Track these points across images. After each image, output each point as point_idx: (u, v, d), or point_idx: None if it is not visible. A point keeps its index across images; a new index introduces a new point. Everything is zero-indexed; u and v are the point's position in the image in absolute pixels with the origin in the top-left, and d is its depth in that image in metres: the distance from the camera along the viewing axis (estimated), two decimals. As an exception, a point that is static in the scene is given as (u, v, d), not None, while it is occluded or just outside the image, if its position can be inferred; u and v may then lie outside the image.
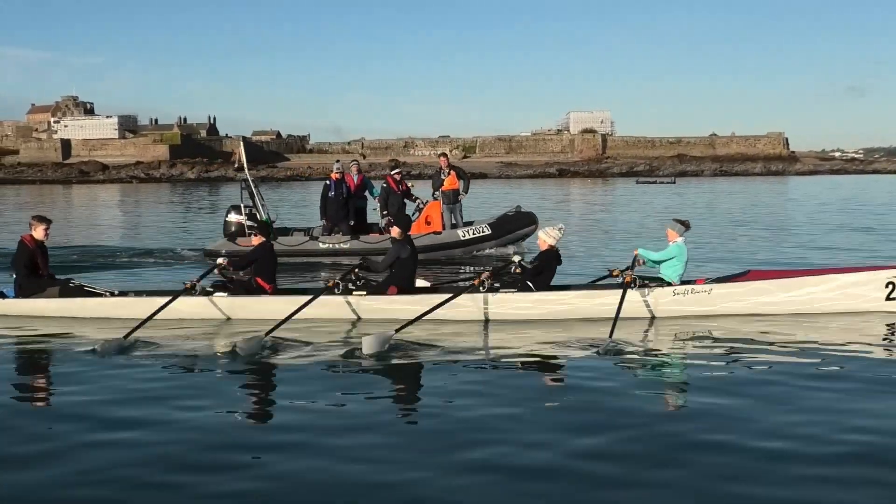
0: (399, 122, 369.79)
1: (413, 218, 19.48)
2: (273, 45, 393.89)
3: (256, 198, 19.29)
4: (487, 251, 18.99)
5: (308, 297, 10.62)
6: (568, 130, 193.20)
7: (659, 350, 9.67)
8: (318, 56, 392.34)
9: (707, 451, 6.20)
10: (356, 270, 11.50)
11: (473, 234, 18.84)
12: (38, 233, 11.68)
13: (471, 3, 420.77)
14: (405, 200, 19.51)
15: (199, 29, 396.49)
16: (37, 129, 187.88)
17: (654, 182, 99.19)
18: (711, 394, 7.69)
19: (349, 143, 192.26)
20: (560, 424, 6.82)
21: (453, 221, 19.27)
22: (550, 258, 11.26)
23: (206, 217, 39.17)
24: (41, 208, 53.64)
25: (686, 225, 11.35)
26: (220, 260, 11.59)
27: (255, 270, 11.48)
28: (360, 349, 9.20)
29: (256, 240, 11.74)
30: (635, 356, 9.23)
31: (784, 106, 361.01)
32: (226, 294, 11.34)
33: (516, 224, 19.27)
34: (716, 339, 9.93)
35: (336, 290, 10.98)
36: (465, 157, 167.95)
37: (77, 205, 60.37)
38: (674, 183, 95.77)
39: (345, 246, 18.52)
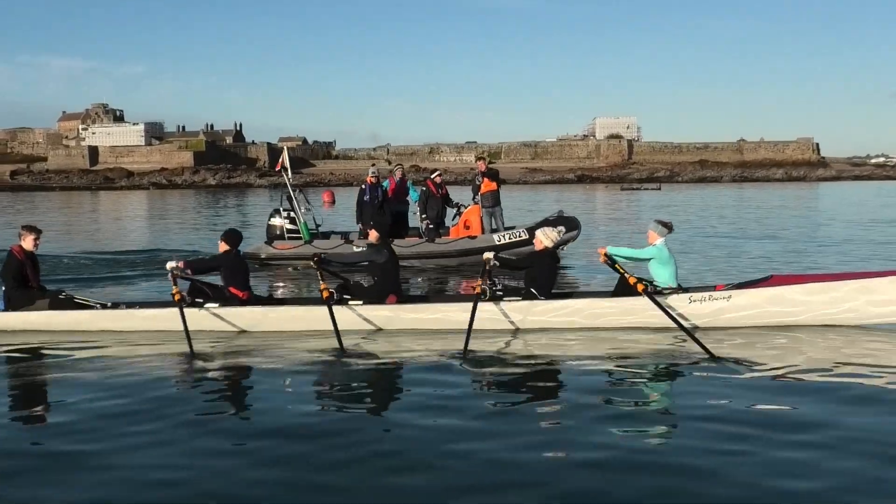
0: (425, 128, 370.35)
1: (453, 222, 19.42)
2: (301, 53, 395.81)
3: (295, 202, 19.20)
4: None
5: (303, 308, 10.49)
6: (594, 136, 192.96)
7: (661, 364, 8.87)
8: (347, 63, 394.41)
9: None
10: (313, 266, 10.84)
11: (509, 238, 18.48)
12: (28, 243, 11.19)
13: (498, 9, 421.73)
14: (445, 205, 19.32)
15: (230, 37, 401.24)
16: (66, 137, 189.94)
17: (639, 189, 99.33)
18: (720, 422, 6.69)
19: (374, 150, 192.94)
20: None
21: (493, 226, 18.96)
22: (542, 258, 10.71)
23: (243, 219, 39.10)
24: (68, 214, 54.08)
25: (668, 227, 10.72)
26: (169, 265, 10.71)
27: (226, 280, 10.98)
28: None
29: (222, 247, 11.13)
30: (633, 369, 8.57)
31: (818, 112, 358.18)
32: (217, 304, 10.77)
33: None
34: (733, 350, 9.15)
35: (331, 301, 10.21)
36: (490, 163, 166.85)
37: (103, 210, 60.58)
38: (659, 189, 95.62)
39: (379, 250, 18.29)
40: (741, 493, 5.32)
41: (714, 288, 10.70)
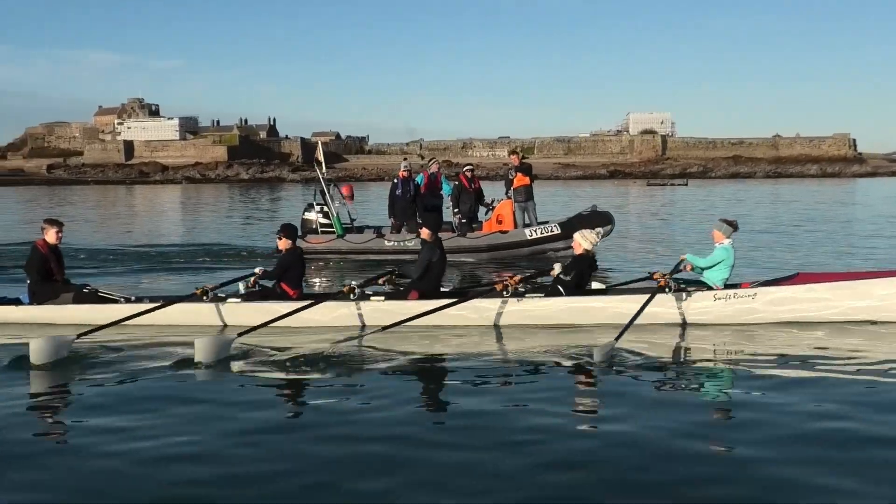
0: (458, 123, 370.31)
1: (485, 217, 19.34)
2: (336, 47, 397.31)
3: (328, 196, 19.24)
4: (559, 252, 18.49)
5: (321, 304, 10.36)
6: (627, 132, 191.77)
7: (687, 360, 8.88)
8: (381, 58, 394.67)
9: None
10: (392, 276, 11.19)
11: (541, 233, 18.38)
12: (51, 236, 11.15)
13: (535, 3, 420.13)
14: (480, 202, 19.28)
15: (266, 32, 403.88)
16: (102, 131, 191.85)
17: (666, 185, 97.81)
18: (734, 427, 6.61)
19: (407, 144, 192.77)
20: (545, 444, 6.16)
21: (526, 221, 18.86)
22: (582, 263, 10.56)
23: (277, 213, 39.28)
24: (103, 207, 54.58)
25: (734, 226, 10.59)
26: (257, 270, 11.21)
27: (283, 277, 10.98)
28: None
29: (284, 243, 11.12)
30: (653, 367, 8.46)
31: (856, 108, 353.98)
32: (238, 300, 10.83)
33: (589, 224, 18.62)
34: (758, 350, 8.99)
35: (352, 296, 10.35)
36: (523, 157, 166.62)
37: (135, 204, 61.05)
38: (685, 185, 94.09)
39: (410, 244, 18.20)
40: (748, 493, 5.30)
41: (740, 286, 10.58)
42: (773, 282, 10.66)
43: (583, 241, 10.60)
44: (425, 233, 11.15)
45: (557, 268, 10.62)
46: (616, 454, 5.90)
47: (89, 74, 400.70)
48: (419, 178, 19.39)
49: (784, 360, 8.52)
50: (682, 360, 8.94)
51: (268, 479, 5.58)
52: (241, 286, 11.07)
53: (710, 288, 10.26)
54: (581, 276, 10.55)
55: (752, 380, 7.84)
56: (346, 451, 6.04)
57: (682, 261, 10.65)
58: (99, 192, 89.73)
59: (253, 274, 11.17)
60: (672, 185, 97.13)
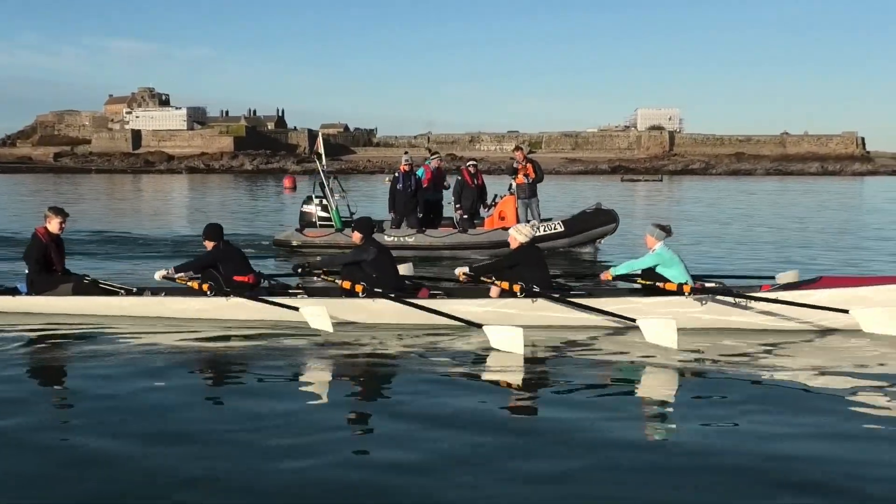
0: (467, 117, 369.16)
1: (487, 213, 19.05)
2: (346, 40, 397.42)
3: (327, 189, 18.99)
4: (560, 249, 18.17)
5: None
6: (635, 127, 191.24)
7: (709, 366, 8.40)
8: (393, 51, 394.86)
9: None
10: (304, 267, 11.10)
11: (544, 230, 17.96)
12: (53, 226, 10.95)
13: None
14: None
15: (273, 23, 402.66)
16: (112, 120, 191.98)
17: (640, 180, 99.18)
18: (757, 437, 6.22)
19: (415, 137, 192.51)
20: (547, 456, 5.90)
21: (529, 217, 18.54)
22: (521, 255, 10.28)
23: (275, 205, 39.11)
24: (115, 196, 54.50)
25: (667, 230, 10.23)
26: (157, 274, 10.68)
27: (227, 272, 10.63)
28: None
29: (208, 245, 10.85)
30: (659, 371, 8.24)
31: (865, 106, 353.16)
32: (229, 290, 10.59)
33: (593, 222, 18.39)
34: (775, 357, 8.68)
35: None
36: (530, 152, 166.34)
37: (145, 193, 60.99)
38: (661, 181, 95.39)
39: (410, 240, 17.96)
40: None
41: (760, 288, 10.27)
42: (794, 286, 10.30)
43: (517, 234, 10.38)
44: (356, 237, 10.90)
45: (461, 270, 10.43)
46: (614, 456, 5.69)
47: (100, 63, 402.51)
48: (420, 172, 19.12)
49: (812, 367, 8.22)
50: (706, 366, 8.44)
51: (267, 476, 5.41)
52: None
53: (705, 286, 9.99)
54: (535, 270, 10.21)
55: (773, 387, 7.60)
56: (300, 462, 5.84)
57: (606, 281, 10.39)
58: (98, 182, 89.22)
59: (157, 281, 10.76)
60: (645, 180, 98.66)
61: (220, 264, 10.70)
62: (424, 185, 18.85)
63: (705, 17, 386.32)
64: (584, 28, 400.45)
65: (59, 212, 11.07)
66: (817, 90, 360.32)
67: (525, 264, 10.20)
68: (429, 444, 6.10)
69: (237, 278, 10.65)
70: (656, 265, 10.01)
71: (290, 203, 41.73)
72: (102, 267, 15.31)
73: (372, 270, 10.45)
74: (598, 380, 8.06)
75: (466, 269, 10.37)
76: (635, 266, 10.21)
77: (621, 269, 10.28)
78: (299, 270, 11.05)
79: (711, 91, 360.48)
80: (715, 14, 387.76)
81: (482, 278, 10.30)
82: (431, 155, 20.62)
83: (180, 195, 58.83)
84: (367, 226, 11.00)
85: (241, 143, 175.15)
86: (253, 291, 10.63)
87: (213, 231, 10.89)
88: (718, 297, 9.79)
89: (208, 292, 10.43)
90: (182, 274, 10.65)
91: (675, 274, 9.95)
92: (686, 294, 9.65)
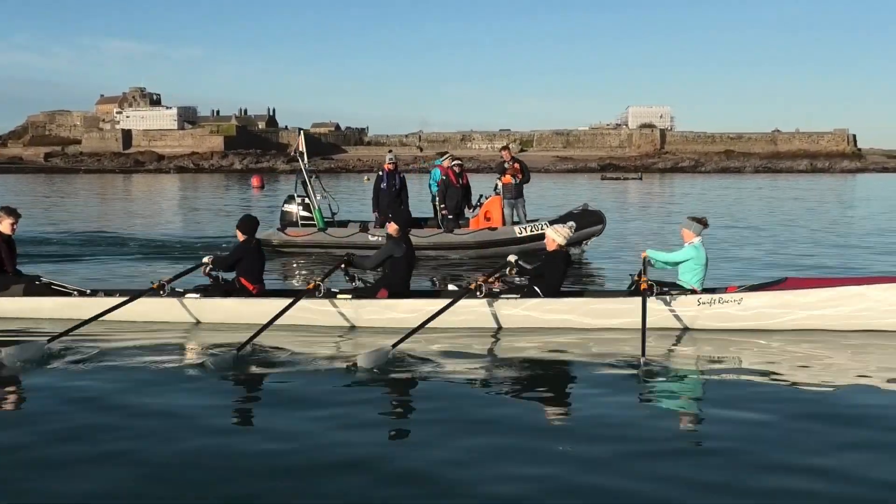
0: (460, 115, 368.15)
1: (472, 213, 18.78)
2: (339, 38, 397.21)
3: (310, 188, 18.71)
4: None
5: (288, 301, 9.55)
6: (626, 125, 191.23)
7: (666, 366, 8.20)
8: (384, 50, 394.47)
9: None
10: (342, 266, 10.52)
11: (531, 231, 17.71)
12: (5, 226, 10.71)
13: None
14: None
15: (266, 23, 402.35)
16: (103, 120, 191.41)
17: (620, 178, 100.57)
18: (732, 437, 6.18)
19: (406, 136, 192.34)
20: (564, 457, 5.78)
21: (515, 218, 18.32)
22: (557, 260, 9.98)
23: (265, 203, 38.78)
24: (109, 197, 54.09)
25: (703, 223, 10.11)
26: (205, 259, 10.57)
27: (238, 271, 10.52)
28: (354, 365, 8.07)
29: (239, 236, 10.74)
30: (656, 378, 7.91)
31: (857, 104, 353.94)
32: (198, 295, 10.39)
33: (580, 223, 18.11)
34: (743, 360, 8.50)
35: (317, 293, 9.89)
36: (521, 150, 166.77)
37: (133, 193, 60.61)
38: (640, 179, 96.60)
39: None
40: None
41: (725, 290, 10.11)
42: (760, 286, 10.12)
43: (555, 235, 9.98)
44: (392, 228, 10.54)
45: (513, 258, 10.05)
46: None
47: (105, 63, 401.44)
48: (436, 174, 18.86)
49: (771, 375, 7.94)
50: (665, 365, 8.27)
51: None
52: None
53: (690, 291, 9.76)
54: (556, 275, 9.98)
55: (728, 387, 7.51)
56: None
57: (644, 258, 10.08)
58: (85, 182, 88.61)
59: (202, 264, 10.58)
60: (625, 178, 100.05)
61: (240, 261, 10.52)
62: (455, 185, 18.41)
63: (697, 16, 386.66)
64: (577, 27, 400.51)
65: (10, 212, 10.84)
66: (809, 88, 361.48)
67: (551, 269, 9.95)
68: (429, 443, 6.04)
69: (244, 281, 10.46)
70: (689, 259, 9.88)
71: (254, 202, 41.81)
72: (62, 270, 15.01)
73: (391, 268, 10.25)
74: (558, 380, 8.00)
75: (518, 259, 10.04)
76: (669, 258, 10.07)
77: (657, 255, 10.13)
78: (346, 262, 10.53)
79: (703, 89, 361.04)
80: (706, 13, 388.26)
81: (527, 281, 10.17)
82: (442, 156, 20.10)
83: (149, 194, 58.40)
84: (405, 220, 10.88)
85: (232, 143, 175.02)
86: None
87: (246, 224, 10.69)
88: (681, 298, 9.63)
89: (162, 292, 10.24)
90: (214, 273, 10.51)
91: (698, 275, 9.85)
92: (653, 293, 9.41)
